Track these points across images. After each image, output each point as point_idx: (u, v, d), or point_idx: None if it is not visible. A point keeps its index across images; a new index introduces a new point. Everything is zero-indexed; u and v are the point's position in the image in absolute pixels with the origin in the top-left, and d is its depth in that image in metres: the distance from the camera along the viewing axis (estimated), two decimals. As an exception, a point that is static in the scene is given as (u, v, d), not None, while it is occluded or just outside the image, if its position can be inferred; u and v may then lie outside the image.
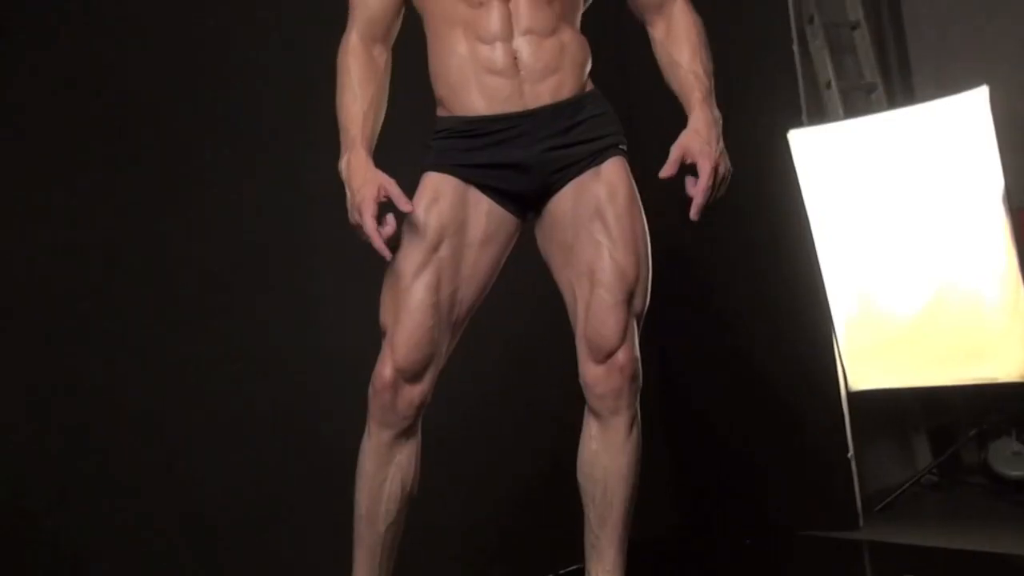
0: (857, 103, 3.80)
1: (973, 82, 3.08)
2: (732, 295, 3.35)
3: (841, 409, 3.23)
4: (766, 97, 3.28)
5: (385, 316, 1.89)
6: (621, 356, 1.87)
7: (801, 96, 3.28)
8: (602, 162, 1.92)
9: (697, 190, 1.79)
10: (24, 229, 2.40)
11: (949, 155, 3.12)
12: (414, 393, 1.88)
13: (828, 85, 3.71)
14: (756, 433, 3.30)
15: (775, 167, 3.25)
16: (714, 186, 1.82)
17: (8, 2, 2.43)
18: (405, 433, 1.90)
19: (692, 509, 3.46)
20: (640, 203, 1.94)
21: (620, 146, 1.95)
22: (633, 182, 1.94)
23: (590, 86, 1.97)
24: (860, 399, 3.32)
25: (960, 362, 3.21)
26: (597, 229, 1.89)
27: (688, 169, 1.81)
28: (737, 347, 3.33)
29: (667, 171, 1.79)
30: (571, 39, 1.93)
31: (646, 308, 1.94)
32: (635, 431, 1.94)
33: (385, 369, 1.86)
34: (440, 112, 1.96)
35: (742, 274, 3.31)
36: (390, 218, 1.79)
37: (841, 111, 3.70)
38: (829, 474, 3.21)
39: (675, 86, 1.94)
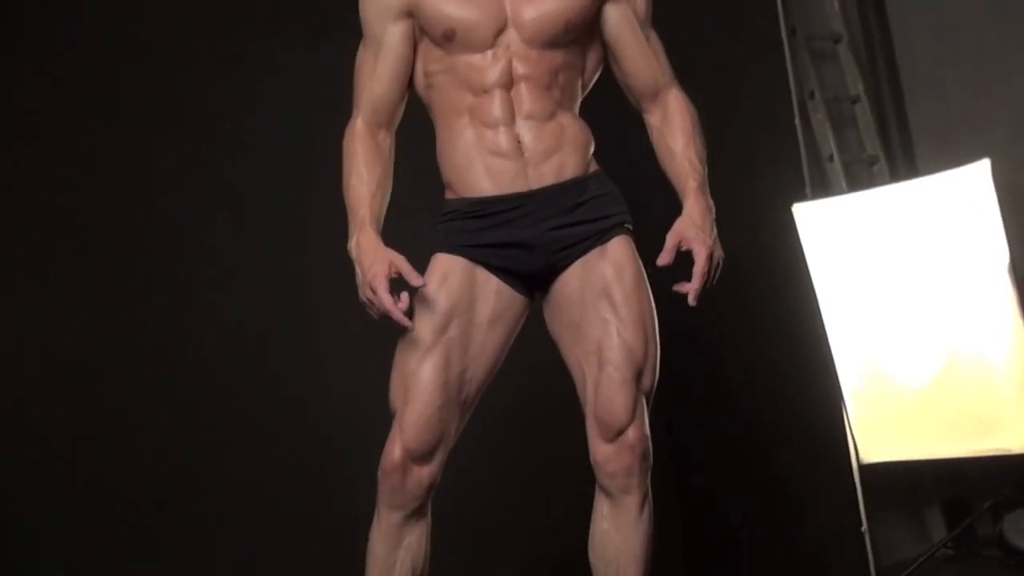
0: (860, 176, 3.83)
1: (974, 152, 3.10)
2: (740, 369, 3.35)
3: (853, 482, 3.20)
4: (770, 171, 3.32)
5: (394, 397, 1.91)
6: (631, 434, 1.88)
7: (804, 170, 3.32)
8: (608, 241, 1.95)
9: (694, 275, 1.86)
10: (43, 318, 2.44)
11: (954, 227, 3.13)
12: (423, 474, 1.88)
13: (831, 158, 3.74)
14: (768, 508, 3.28)
15: (780, 240, 3.26)
16: (710, 272, 1.87)
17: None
18: (415, 515, 1.90)
19: (705, 586, 3.42)
20: (647, 281, 1.96)
21: (625, 225, 1.99)
22: (639, 261, 1.97)
23: (594, 167, 2.01)
24: (872, 471, 3.30)
25: (972, 433, 3.19)
26: (605, 308, 1.91)
27: (684, 255, 1.87)
28: (746, 422, 3.32)
29: (664, 258, 1.85)
30: (570, 123, 1.98)
31: (655, 386, 1.95)
32: (646, 509, 1.94)
33: (394, 450, 1.87)
34: (448, 195, 2.00)
35: (750, 348, 3.31)
36: (404, 296, 1.82)
37: (844, 184, 3.73)
38: (842, 548, 3.18)
39: (670, 173, 2.01)
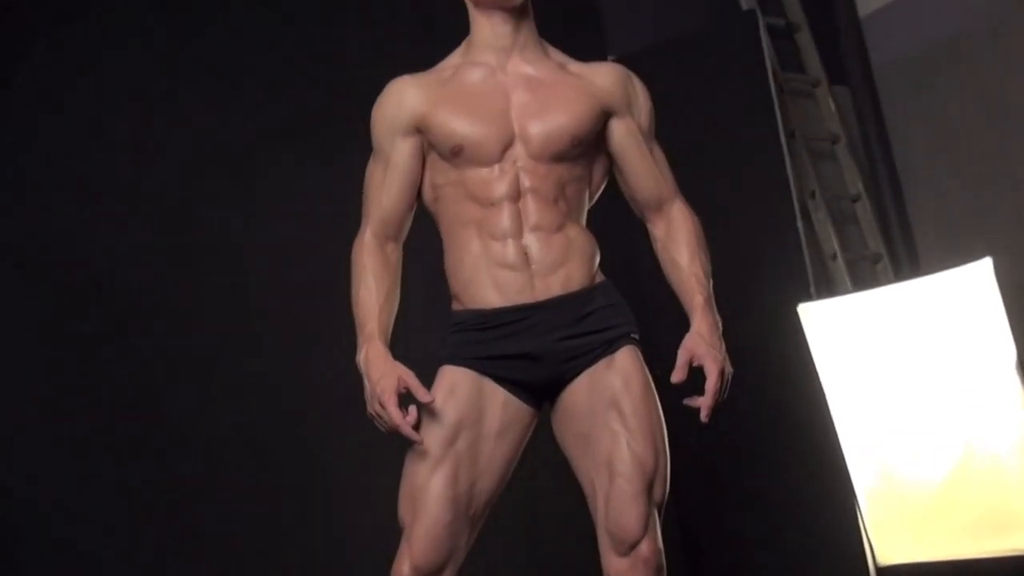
0: (864, 273, 3.85)
1: (976, 248, 3.12)
2: (751, 473, 3.32)
3: (871, 585, 3.15)
4: (774, 272, 3.34)
5: (403, 512, 1.89)
6: (644, 548, 1.85)
7: (808, 269, 3.34)
8: (615, 351, 1.95)
9: (707, 393, 1.87)
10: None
11: (959, 325, 3.14)
12: (433, 591, 1.85)
13: (834, 257, 3.77)
14: (785, 614, 3.21)
15: (787, 341, 3.27)
16: (721, 387, 1.89)
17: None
18: (426, 633, 1.86)
19: None
20: (655, 391, 1.96)
21: (632, 335, 1.98)
22: (647, 370, 1.96)
23: (600, 278, 2.02)
24: (889, 574, 3.24)
25: (990, 533, 3.14)
26: (613, 419, 1.90)
27: (695, 371, 1.88)
28: (760, 527, 3.27)
29: (677, 376, 1.87)
30: (577, 234, 1.99)
31: (666, 497, 1.93)
32: (661, 624, 1.89)
33: (403, 567, 1.85)
34: (455, 307, 2.00)
35: (760, 451, 3.29)
36: (412, 409, 1.83)
37: (848, 282, 3.75)
38: (863, 655, 3.11)
39: (676, 287, 2.03)
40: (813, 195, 3.79)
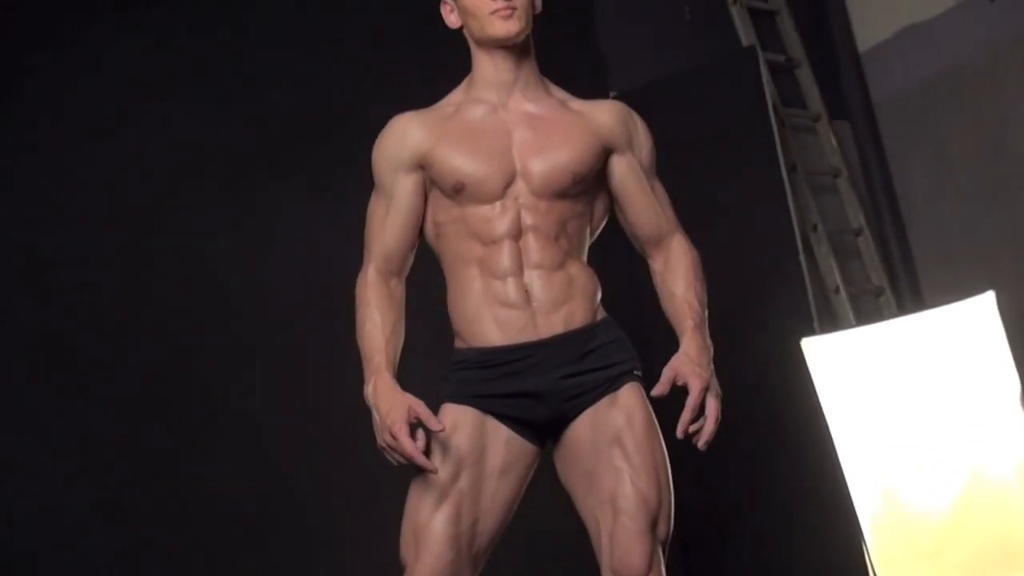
0: (867, 307, 3.85)
1: (978, 281, 3.12)
2: (756, 507, 3.30)
3: (878, 622, 3.12)
4: (777, 306, 3.34)
5: (406, 551, 1.89)
6: (649, 586, 1.84)
7: (811, 303, 3.34)
8: (618, 388, 1.95)
9: (686, 407, 1.87)
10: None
11: (963, 359, 3.13)
12: (435, 632, 1.84)
13: (837, 290, 3.77)
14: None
15: (791, 375, 3.26)
16: (702, 405, 1.88)
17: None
18: (429, 675, 1.85)
19: None
20: (658, 427, 1.96)
21: (635, 371, 1.98)
22: (650, 407, 1.96)
23: (602, 314, 2.02)
24: (897, 611, 3.21)
25: (997, 567, 3.12)
26: (617, 456, 1.90)
27: (681, 390, 1.89)
28: (764, 561, 3.25)
29: (659, 390, 1.87)
30: (579, 272, 2.00)
31: (670, 534, 1.92)
32: (666, 665, 1.88)
33: (405, 608, 1.84)
34: (457, 344, 2.00)
35: (765, 485, 3.28)
36: (420, 433, 1.83)
37: (851, 316, 3.74)
38: None
39: (670, 315, 2.03)
40: (815, 229, 3.80)
